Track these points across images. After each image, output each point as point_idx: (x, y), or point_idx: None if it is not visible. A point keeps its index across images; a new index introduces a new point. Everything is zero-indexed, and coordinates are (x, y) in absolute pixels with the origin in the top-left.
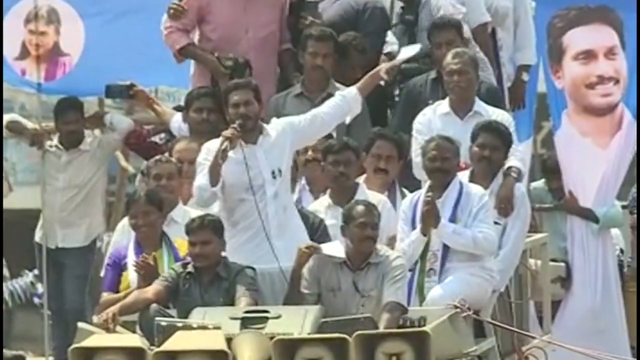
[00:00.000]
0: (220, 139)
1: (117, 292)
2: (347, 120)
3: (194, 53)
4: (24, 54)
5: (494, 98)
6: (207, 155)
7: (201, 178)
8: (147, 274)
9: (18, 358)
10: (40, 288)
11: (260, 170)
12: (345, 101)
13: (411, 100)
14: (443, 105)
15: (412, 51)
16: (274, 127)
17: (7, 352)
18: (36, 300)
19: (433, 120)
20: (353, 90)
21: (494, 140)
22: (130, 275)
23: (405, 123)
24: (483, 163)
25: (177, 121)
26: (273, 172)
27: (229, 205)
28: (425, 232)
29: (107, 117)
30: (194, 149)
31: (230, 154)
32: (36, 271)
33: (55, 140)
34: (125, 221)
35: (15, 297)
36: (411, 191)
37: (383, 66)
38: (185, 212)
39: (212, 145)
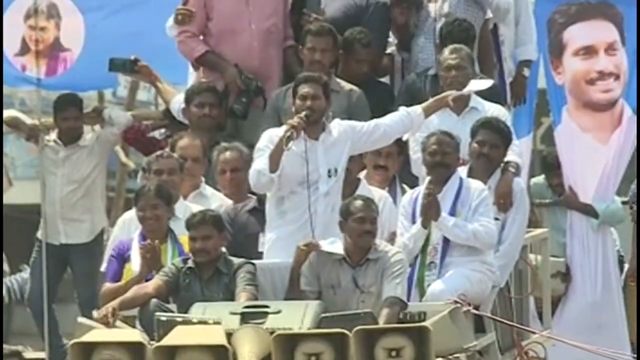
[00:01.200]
0: (285, 126)
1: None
2: (405, 137)
3: (214, 61)
4: (24, 49)
5: (491, 93)
6: (267, 142)
7: (260, 162)
8: (152, 259)
9: (15, 354)
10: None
11: (318, 166)
12: (409, 118)
13: (410, 95)
14: None
15: (484, 85)
16: (336, 127)
17: (5, 348)
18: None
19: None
20: (418, 109)
21: (494, 137)
22: (134, 267)
23: None
24: (482, 160)
25: (177, 102)
26: (329, 171)
27: (281, 194)
28: (425, 225)
29: (105, 112)
30: (197, 145)
31: (293, 146)
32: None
33: (53, 136)
34: (125, 216)
35: (12, 293)
36: (411, 187)
37: (452, 93)
38: (186, 207)
39: (273, 132)
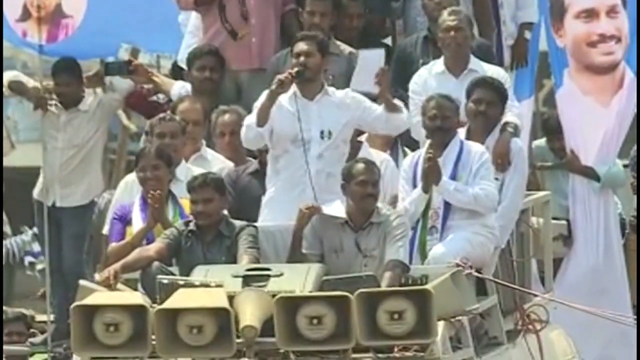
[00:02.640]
0: (275, 80)
1: None
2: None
3: None
4: (25, 15)
5: (485, 54)
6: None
7: (250, 117)
8: (159, 209)
9: (20, 317)
10: (35, 247)
11: (310, 126)
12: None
13: (402, 60)
14: (438, 65)
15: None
16: (343, 93)
17: (8, 310)
18: (29, 259)
19: (428, 80)
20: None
21: (489, 95)
22: (134, 229)
23: (397, 83)
24: (479, 118)
25: (177, 89)
26: (322, 132)
27: (276, 152)
28: (426, 190)
29: (107, 78)
30: (197, 109)
31: (286, 103)
32: (35, 229)
33: (55, 100)
34: (128, 178)
35: (10, 255)
36: (413, 150)
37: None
38: (188, 170)
39: (279, 76)
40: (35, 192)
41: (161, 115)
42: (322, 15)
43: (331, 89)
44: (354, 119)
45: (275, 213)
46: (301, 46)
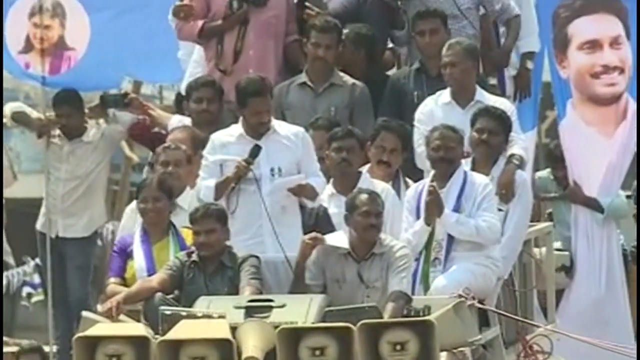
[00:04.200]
0: (235, 167)
1: (123, 278)
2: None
3: (213, 26)
4: (28, 47)
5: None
6: (213, 152)
7: (207, 189)
8: None
9: (36, 348)
10: (35, 278)
11: (260, 163)
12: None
13: (395, 92)
14: (444, 95)
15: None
16: (289, 128)
17: (24, 341)
18: (27, 290)
19: (435, 110)
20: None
21: (492, 124)
22: (136, 264)
23: (390, 116)
24: (482, 147)
25: (175, 123)
26: (272, 170)
27: (229, 193)
28: (429, 222)
29: (110, 110)
30: (189, 138)
31: (235, 144)
32: (37, 260)
33: (58, 130)
34: (133, 205)
35: (12, 286)
36: (415, 181)
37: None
38: (192, 199)
39: (217, 139)
40: (39, 224)
41: (166, 144)
42: (327, 47)
43: (279, 126)
44: (297, 158)
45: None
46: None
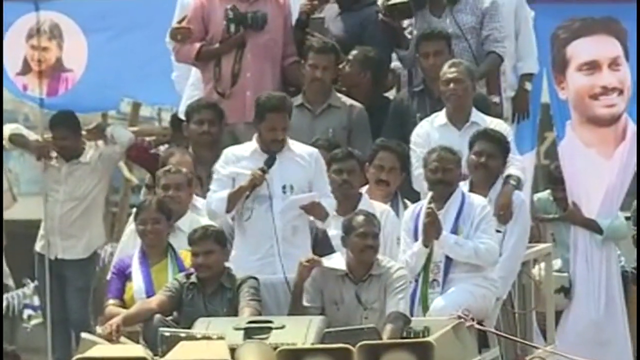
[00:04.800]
0: (249, 176)
1: (122, 300)
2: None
3: (210, 50)
4: (26, 69)
5: (481, 105)
6: (226, 165)
7: (219, 200)
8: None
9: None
10: (35, 300)
11: (272, 181)
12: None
13: (398, 114)
14: (440, 117)
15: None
16: (303, 148)
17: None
18: (28, 312)
19: (430, 132)
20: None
21: (490, 147)
22: (135, 286)
23: (393, 137)
24: (480, 171)
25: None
26: (284, 187)
27: (240, 210)
28: (427, 244)
29: (108, 130)
30: (188, 161)
31: (248, 159)
32: (37, 282)
33: (55, 152)
34: (132, 226)
35: (11, 308)
36: (413, 202)
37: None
38: (192, 221)
39: (231, 152)
40: (38, 246)
41: (167, 167)
42: (324, 68)
43: (293, 144)
44: (310, 179)
45: (245, 270)
46: (278, 121)
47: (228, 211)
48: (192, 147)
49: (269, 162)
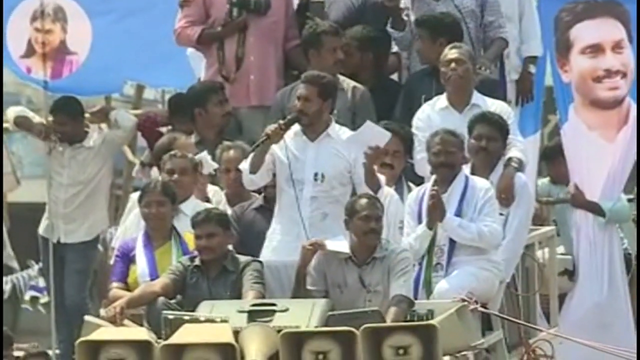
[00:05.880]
0: (263, 133)
1: (126, 283)
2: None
3: (212, 33)
4: (30, 51)
5: (490, 89)
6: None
7: (246, 161)
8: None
9: (42, 354)
10: (40, 282)
11: (305, 167)
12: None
13: (409, 95)
14: (441, 100)
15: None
16: (346, 135)
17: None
18: (31, 293)
19: (432, 115)
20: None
21: (490, 130)
22: (139, 269)
23: (405, 117)
24: (481, 154)
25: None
26: (316, 175)
27: (277, 190)
28: (431, 226)
29: (112, 114)
30: (191, 145)
31: (288, 142)
32: (41, 264)
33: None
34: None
35: (17, 290)
36: (417, 185)
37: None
38: (195, 205)
39: (268, 128)
40: (41, 229)
41: (172, 152)
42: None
43: (337, 129)
44: (348, 165)
45: (276, 249)
46: (300, 90)
47: (252, 172)
48: (203, 130)
49: (292, 121)
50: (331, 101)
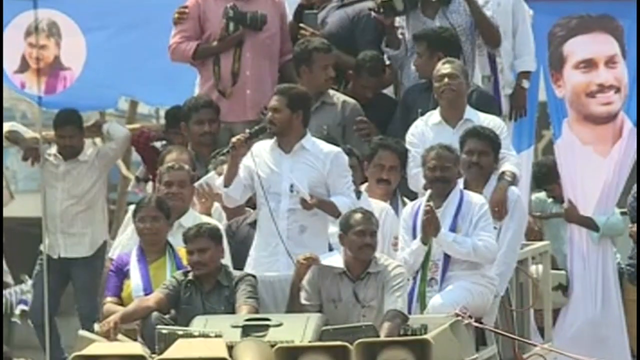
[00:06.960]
0: (230, 144)
1: (120, 297)
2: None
3: (208, 48)
4: (24, 67)
5: (486, 103)
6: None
7: (220, 178)
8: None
9: None
10: (30, 296)
11: (281, 180)
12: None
13: (406, 107)
14: (434, 116)
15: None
16: (321, 148)
17: None
18: (21, 307)
19: (425, 131)
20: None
21: (481, 145)
22: (133, 283)
23: (403, 130)
24: (473, 169)
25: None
26: (292, 186)
27: (257, 205)
28: (425, 241)
29: (104, 127)
30: (185, 159)
31: (265, 155)
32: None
33: (53, 149)
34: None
35: (9, 305)
36: (412, 200)
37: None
38: (194, 218)
39: (255, 148)
40: (42, 246)
41: (170, 164)
42: (326, 67)
43: (313, 141)
44: (322, 177)
45: (253, 264)
46: (271, 101)
47: (225, 185)
48: (193, 146)
49: (258, 132)
50: (302, 112)
